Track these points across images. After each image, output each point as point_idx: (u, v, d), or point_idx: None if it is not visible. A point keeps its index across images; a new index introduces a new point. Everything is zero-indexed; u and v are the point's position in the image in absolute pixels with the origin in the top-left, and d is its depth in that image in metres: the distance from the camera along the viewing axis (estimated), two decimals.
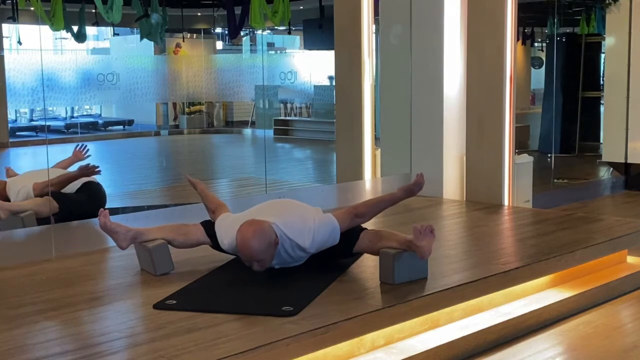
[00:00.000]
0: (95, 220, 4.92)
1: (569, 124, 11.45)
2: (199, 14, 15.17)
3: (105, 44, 15.49)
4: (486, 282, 4.02)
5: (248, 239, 3.81)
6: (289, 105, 15.65)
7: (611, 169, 9.47)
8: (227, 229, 4.09)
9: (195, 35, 15.82)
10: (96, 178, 5.69)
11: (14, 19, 9.60)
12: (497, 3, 6.16)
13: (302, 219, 4.01)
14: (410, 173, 6.71)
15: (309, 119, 15.44)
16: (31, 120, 12.69)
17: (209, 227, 4.25)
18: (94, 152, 13.20)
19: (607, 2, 9.43)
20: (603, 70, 10.75)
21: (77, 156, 6.00)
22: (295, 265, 4.08)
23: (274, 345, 3.07)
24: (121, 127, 14.67)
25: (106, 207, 5.10)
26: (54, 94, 11.53)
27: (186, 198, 8.08)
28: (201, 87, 14.62)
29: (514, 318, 4.03)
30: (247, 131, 15.96)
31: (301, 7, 13.41)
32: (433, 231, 3.83)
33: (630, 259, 5.17)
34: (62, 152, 5.78)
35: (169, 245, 4.16)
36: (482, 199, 6.33)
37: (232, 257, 4.33)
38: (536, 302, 4.27)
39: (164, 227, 4.25)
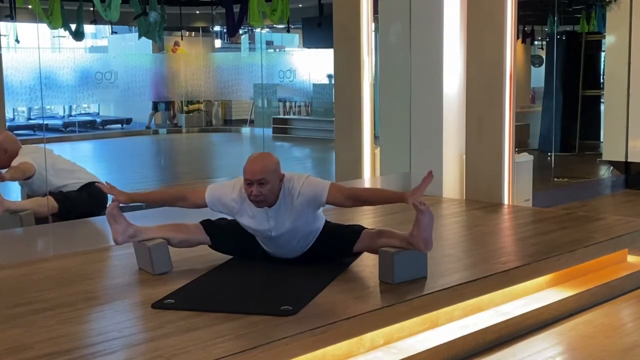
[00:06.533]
0: (94, 219, 4.92)
1: (569, 122, 11.42)
2: (198, 12, 15.15)
3: (104, 42, 15.48)
4: (486, 281, 4.01)
5: (256, 158, 3.87)
6: (287, 104, 15.63)
7: (611, 167, 9.45)
8: (222, 187, 4.09)
9: (193, 33, 15.81)
10: (97, 177, 5.62)
11: (11, 17, 9.58)
12: (497, 1, 6.14)
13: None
14: (409, 172, 6.69)
15: (308, 117, 15.42)
16: (29, 118, 12.68)
17: (208, 226, 4.24)
18: (92, 151, 13.22)
19: (607, 0, 9.41)
20: (603, 69, 10.72)
21: None
22: (286, 239, 4.03)
23: (273, 345, 3.05)
24: (119, 125, 14.67)
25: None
26: (51, 92, 11.50)
27: None
28: (200, 86, 14.61)
29: (513, 317, 4.02)
30: (246, 130, 15.94)
31: (300, 5, 13.39)
32: (428, 208, 3.80)
33: (631, 258, 5.16)
34: (60, 151, 5.73)
35: (169, 245, 4.15)
36: (481, 198, 6.31)
37: (231, 257, 4.32)
38: (536, 302, 4.25)
39: (163, 226, 4.23)
